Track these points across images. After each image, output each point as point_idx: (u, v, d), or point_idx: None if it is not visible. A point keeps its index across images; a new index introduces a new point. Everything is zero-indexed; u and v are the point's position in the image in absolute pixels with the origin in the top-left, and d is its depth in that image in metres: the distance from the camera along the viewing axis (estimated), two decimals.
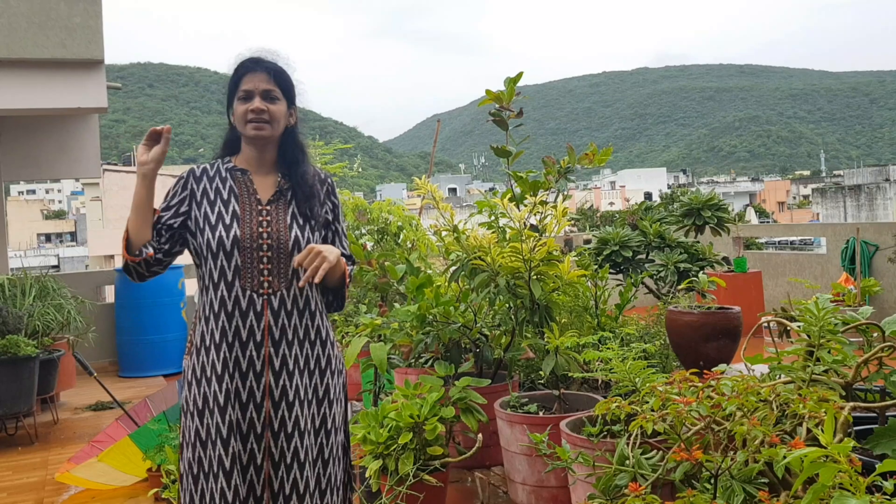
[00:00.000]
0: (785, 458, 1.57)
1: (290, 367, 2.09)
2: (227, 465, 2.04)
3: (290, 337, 2.10)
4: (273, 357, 2.07)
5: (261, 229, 2.10)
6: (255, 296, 2.07)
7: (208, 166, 2.20)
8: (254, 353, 2.06)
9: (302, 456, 2.09)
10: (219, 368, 2.06)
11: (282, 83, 2.16)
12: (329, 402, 2.16)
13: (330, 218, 2.25)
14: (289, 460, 2.07)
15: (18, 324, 5.42)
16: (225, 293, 2.07)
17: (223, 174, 2.17)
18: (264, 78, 2.13)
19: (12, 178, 8.86)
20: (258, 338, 2.06)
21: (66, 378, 6.20)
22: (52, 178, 10.54)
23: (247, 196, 2.14)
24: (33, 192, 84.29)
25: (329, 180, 2.29)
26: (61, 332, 6.23)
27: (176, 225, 2.13)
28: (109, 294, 8.84)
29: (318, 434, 2.14)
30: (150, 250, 2.07)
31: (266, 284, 2.08)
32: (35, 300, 6.11)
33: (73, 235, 56.38)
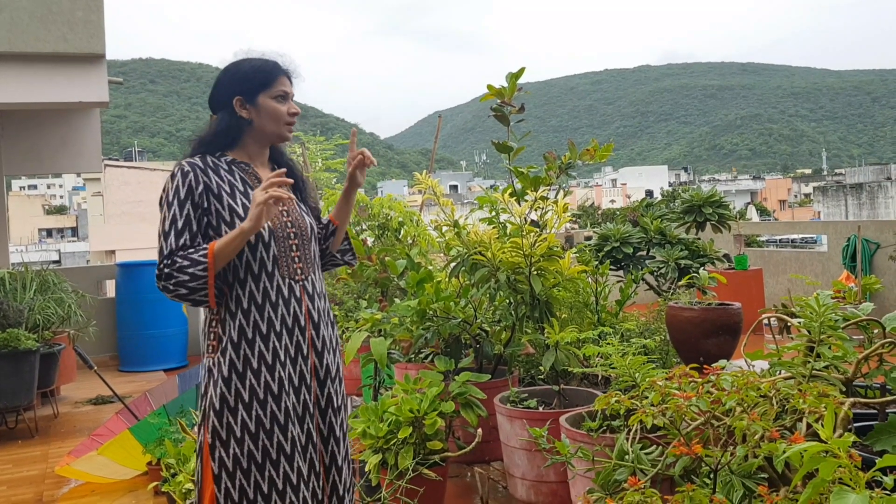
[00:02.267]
0: (785, 452, 1.57)
1: (327, 346, 2.21)
2: (288, 449, 2.09)
3: (323, 319, 2.22)
4: (315, 339, 2.17)
5: (285, 218, 2.18)
6: (292, 283, 2.15)
7: (198, 160, 2.13)
8: (300, 338, 2.13)
9: (337, 431, 2.21)
10: (269, 358, 2.08)
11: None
12: (340, 380, 2.29)
13: (313, 204, 2.42)
14: (337, 434, 2.20)
15: (19, 317, 5.43)
16: (266, 283, 2.11)
17: (226, 167, 2.14)
18: (290, 84, 2.24)
19: (14, 172, 8.86)
20: (302, 322, 2.14)
21: (66, 372, 6.21)
22: (54, 172, 10.55)
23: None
24: (35, 187, 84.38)
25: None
26: (62, 327, 6.24)
27: (203, 222, 2.08)
28: (110, 289, 8.86)
29: (345, 409, 2.28)
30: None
31: (299, 271, 2.17)
32: (36, 294, 6.11)
33: (75, 231, 56.36)
